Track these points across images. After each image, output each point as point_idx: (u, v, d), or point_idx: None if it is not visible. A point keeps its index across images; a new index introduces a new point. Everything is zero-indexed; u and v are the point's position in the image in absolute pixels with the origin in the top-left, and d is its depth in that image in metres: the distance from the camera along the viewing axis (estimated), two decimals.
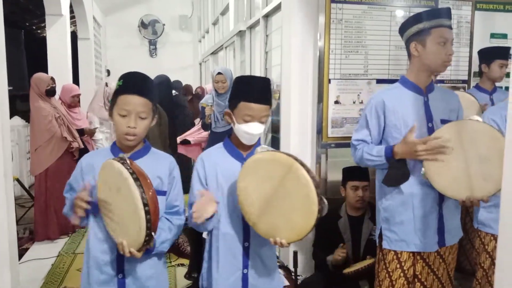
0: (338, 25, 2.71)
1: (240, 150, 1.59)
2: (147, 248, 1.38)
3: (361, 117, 1.87)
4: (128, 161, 1.32)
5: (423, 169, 1.68)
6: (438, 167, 1.64)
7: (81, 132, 4.25)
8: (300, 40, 2.76)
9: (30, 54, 7.40)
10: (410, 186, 1.75)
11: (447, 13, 1.73)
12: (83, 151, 4.14)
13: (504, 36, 3.02)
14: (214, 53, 6.33)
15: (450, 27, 1.72)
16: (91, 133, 4.36)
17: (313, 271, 2.83)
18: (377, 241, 1.90)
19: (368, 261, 2.33)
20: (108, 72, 8.53)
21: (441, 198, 1.76)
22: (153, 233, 1.30)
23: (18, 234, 3.46)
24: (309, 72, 2.78)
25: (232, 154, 1.58)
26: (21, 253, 3.64)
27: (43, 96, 3.63)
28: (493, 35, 3.00)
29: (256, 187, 1.42)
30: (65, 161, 3.80)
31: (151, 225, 1.28)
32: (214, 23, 6.71)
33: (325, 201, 1.37)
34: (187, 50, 9.22)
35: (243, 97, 1.51)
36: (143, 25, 8.72)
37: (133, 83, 1.47)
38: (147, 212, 1.26)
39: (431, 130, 1.74)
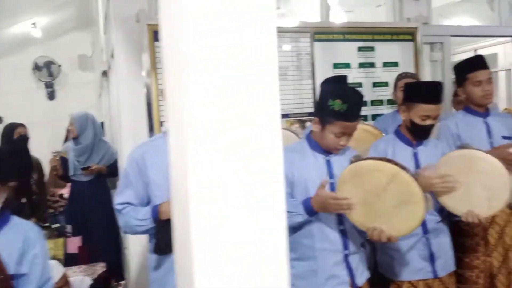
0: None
1: None
2: None
3: (122, 175, 1.65)
4: None
5: None
6: None
7: None
8: (128, 88, 2.60)
9: None
10: None
11: None
12: None
13: (347, 65, 3.00)
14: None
15: None
16: None
17: None
18: None
19: None
20: (0, 119, 7.93)
21: None
22: None
23: None
24: (143, 119, 2.58)
25: None
26: None
27: None
28: (336, 65, 2.97)
29: None
30: None
31: None
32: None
33: None
34: (91, 90, 8.81)
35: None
36: (37, 67, 8.26)
37: None
38: None
39: None
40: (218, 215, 0.73)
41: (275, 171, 0.75)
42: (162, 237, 1.46)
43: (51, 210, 4.39)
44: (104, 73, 4.08)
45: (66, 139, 5.64)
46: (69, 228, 3.51)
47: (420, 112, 1.96)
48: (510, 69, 6.46)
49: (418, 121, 1.98)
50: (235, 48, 0.73)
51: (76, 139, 3.41)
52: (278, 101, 0.75)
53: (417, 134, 2.04)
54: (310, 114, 2.88)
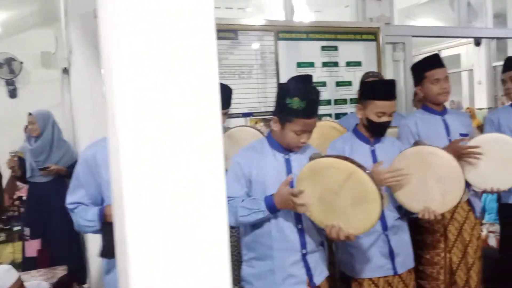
0: None
1: None
2: None
3: (73, 175, 1.60)
4: None
5: None
6: None
7: None
8: (87, 85, 2.55)
9: None
10: None
11: None
12: None
13: (311, 64, 3.00)
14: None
15: None
16: None
17: None
18: None
19: None
20: None
21: None
22: None
23: None
24: (102, 118, 2.52)
25: None
26: None
27: None
28: (299, 64, 2.98)
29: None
30: None
31: None
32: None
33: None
34: (54, 88, 8.53)
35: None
36: None
37: None
38: None
39: None
40: (155, 217, 0.70)
41: (215, 173, 0.73)
42: (107, 240, 1.42)
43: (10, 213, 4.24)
44: (65, 70, 3.96)
45: None
46: (27, 231, 3.39)
47: (376, 109, 1.99)
48: (472, 69, 6.66)
49: (374, 118, 2.00)
50: (173, 48, 0.71)
51: (37, 137, 3.30)
52: (219, 103, 0.73)
53: (374, 131, 2.06)
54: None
